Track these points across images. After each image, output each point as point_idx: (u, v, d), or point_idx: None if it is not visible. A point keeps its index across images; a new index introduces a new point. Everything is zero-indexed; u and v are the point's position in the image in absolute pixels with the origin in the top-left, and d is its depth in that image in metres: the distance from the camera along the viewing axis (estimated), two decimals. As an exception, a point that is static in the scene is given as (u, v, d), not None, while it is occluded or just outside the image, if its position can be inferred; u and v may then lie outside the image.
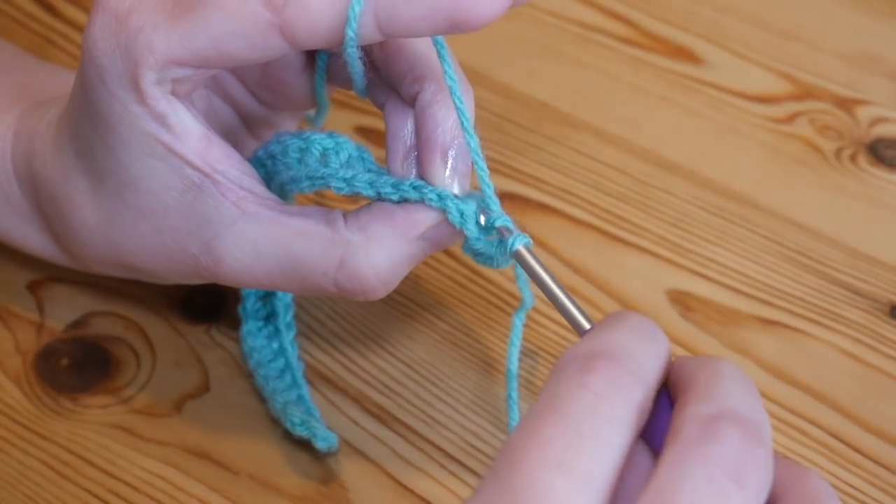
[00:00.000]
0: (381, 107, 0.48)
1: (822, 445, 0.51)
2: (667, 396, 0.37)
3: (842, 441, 0.51)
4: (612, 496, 0.34)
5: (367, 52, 0.47)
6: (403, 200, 0.45)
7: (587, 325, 0.42)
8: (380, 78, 0.48)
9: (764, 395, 0.52)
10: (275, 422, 0.51)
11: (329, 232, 0.46)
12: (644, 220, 0.59)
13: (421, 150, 0.46)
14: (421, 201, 0.45)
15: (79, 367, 0.53)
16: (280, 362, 0.52)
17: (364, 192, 0.46)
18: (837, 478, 0.50)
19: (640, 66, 0.66)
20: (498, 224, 0.45)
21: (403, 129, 0.47)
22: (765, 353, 0.54)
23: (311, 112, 0.53)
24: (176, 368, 0.53)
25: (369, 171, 0.47)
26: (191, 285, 0.55)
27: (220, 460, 0.50)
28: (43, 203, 0.50)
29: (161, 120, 0.45)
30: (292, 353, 0.53)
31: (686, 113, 0.64)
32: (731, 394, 0.36)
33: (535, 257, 0.45)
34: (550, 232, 0.58)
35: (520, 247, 0.45)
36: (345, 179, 0.46)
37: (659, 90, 0.65)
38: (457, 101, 0.44)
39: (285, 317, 0.53)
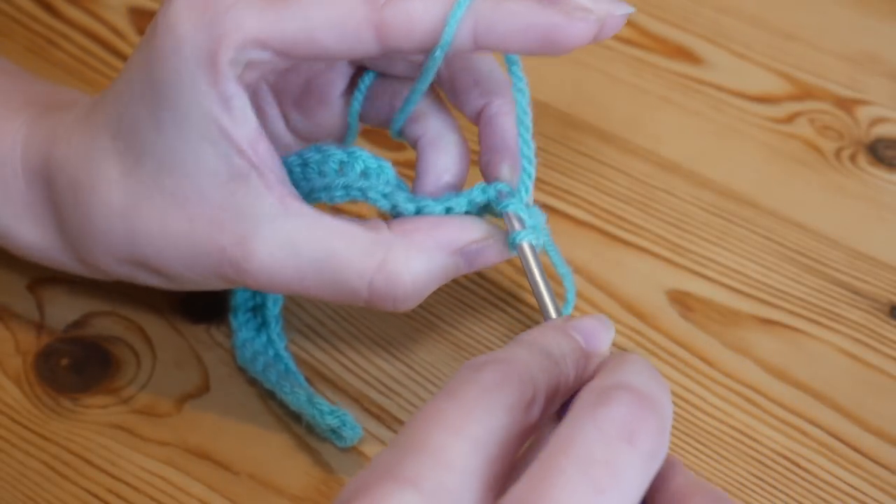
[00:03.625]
0: (415, 142, 0.50)
1: (822, 445, 0.51)
2: None
3: (842, 441, 0.51)
4: (507, 467, 0.36)
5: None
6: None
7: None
8: (433, 95, 0.50)
9: (764, 395, 0.53)
10: (275, 421, 0.51)
11: (373, 234, 0.46)
12: (644, 220, 0.59)
13: (489, 155, 0.49)
14: (466, 215, 0.48)
15: (79, 367, 0.53)
16: (281, 366, 0.52)
17: (402, 206, 0.48)
18: (837, 478, 0.50)
19: (640, 66, 0.66)
20: (509, 210, 0.47)
21: (437, 163, 0.49)
22: (765, 353, 0.54)
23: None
24: (176, 368, 0.53)
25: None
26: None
27: (220, 460, 0.50)
28: (59, 192, 0.49)
29: (225, 102, 0.45)
30: (289, 360, 0.53)
31: (686, 113, 0.64)
32: (631, 372, 0.38)
33: (535, 256, 0.47)
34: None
35: (523, 242, 0.47)
36: (384, 194, 0.48)
37: (659, 90, 0.65)
38: (521, 112, 0.48)
39: (276, 327, 0.53)
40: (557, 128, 0.63)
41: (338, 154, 0.49)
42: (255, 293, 0.54)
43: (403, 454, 0.35)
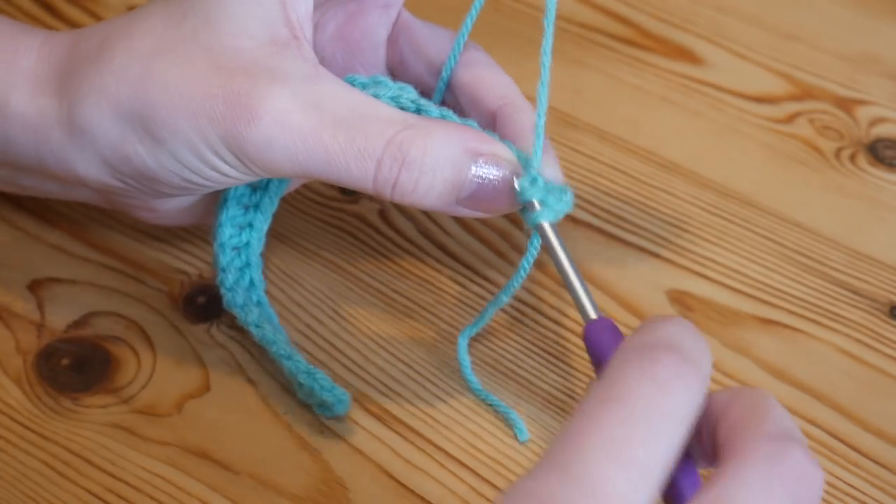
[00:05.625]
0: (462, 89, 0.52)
1: (822, 445, 0.51)
2: None
3: (842, 441, 0.51)
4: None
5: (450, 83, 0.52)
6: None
7: (592, 313, 0.44)
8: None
9: (764, 395, 0.53)
10: (275, 421, 0.51)
11: (403, 112, 0.47)
12: (644, 220, 0.59)
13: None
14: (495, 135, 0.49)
15: (79, 367, 0.53)
16: (265, 314, 0.53)
17: (427, 109, 0.49)
18: (837, 478, 0.50)
19: (640, 66, 0.66)
20: (534, 198, 0.47)
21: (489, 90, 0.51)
22: (765, 352, 0.54)
23: None
24: (176, 368, 0.53)
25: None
26: (191, 285, 0.55)
27: (220, 460, 0.50)
28: (78, 53, 0.48)
29: None
30: (269, 306, 0.54)
31: (686, 113, 0.64)
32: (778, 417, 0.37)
33: (557, 235, 0.47)
34: (550, 232, 0.58)
35: (544, 222, 0.47)
36: (412, 100, 0.49)
37: (659, 90, 0.65)
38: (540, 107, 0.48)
39: (257, 268, 0.54)
40: (557, 128, 0.63)
41: (361, 79, 0.50)
42: (240, 229, 0.53)
43: (561, 484, 0.33)
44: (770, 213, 0.59)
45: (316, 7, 0.50)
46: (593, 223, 0.59)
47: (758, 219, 0.59)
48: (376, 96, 0.48)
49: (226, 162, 0.47)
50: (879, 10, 0.69)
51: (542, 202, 0.47)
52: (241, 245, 0.53)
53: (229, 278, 0.53)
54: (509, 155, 0.47)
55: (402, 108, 0.48)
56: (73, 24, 0.67)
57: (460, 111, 0.51)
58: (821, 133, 0.63)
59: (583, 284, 0.45)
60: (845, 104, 0.65)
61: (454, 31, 0.52)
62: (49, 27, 0.66)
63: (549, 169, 0.48)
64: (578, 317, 0.55)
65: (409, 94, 0.49)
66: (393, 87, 0.49)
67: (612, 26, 0.68)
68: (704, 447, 0.38)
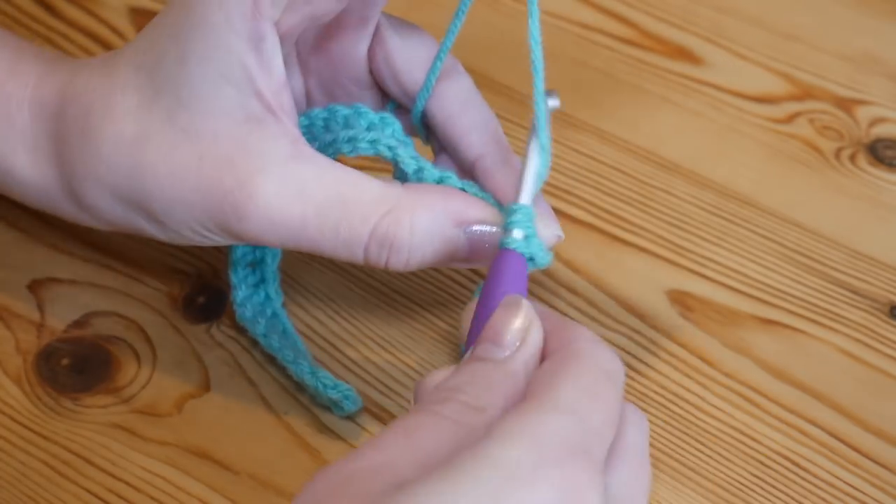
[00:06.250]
0: (437, 122, 0.52)
1: (822, 445, 0.51)
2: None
3: (842, 441, 0.51)
4: None
5: (427, 115, 0.51)
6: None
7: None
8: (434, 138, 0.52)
9: (764, 395, 0.53)
10: (275, 421, 0.51)
11: (384, 186, 0.47)
12: (644, 220, 0.59)
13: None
14: (481, 199, 0.49)
15: (79, 367, 0.53)
16: (280, 327, 0.53)
17: (404, 160, 0.49)
18: (837, 478, 0.50)
19: (640, 66, 0.66)
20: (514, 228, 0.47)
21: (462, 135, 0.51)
22: (765, 353, 0.54)
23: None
24: (176, 368, 0.53)
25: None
26: (191, 285, 0.55)
27: (220, 460, 0.50)
28: (68, 122, 0.48)
29: (256, 43, 0.45)
30: (286, 318, 0.54)
31: (686, 113, 0.64)
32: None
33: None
34: (550, 232, 0.58)
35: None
36: (390, 147, 0.49)
37: (659, 90, 0.65)
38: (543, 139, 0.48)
39: (273, 283, 0.54)
40: (557, 128, 0.63)
41: (343, 110, 0.50)
42: (254, 248, 0.53)
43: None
44: (770, 213, 0.59)
45: (290, 11, 0.48)
46: (593, 223, 0.59)
47: (758, 219, 0.59)
48: (354, 140, 0.49)
49: (226, 239, 0.48)
50: (880, 10, 0.69)
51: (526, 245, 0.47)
52: (255, 261, 0.54)
53: (240, 294, 0.53)
54: (497, 219, 0.48)
55: (382, 156, 0.49)
56: (73, 24, 0.67)
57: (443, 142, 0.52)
58: (821, 133, 0.63)
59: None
60: (845, 104, 0.65)
61: (439, 39, 0.51)
62: (49, 27, 0.66)
63: (547, 228, 0.49)
64: (579, 317, 0.55)
65: (387, 130, 0.50)
66: (369, 119, 0.49)
67: (612, 26, 0.68)
68: None
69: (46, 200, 0.50)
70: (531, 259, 0.47)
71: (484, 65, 0.65)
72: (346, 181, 0.47)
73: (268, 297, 0.53)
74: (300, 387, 0.52)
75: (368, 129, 0.49)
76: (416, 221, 0.47)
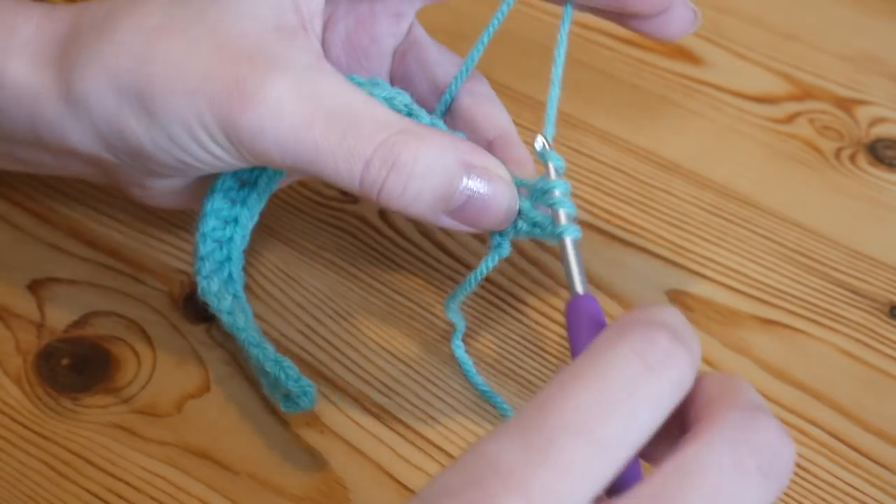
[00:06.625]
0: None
1: (822, 445, 0.51)
2: None
3: (842, 441, 0.51)
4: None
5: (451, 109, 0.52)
6: None
7: (580, 287, 0.43)
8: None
9: (764, 395, 0.52)
10: (275, 421, 0.51)
11: (398, 114, 0.47)
12: (644, 220, 0.59)
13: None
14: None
15: (79, 366, 0.53)
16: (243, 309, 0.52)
17: (417, 114, 0.49)
18: (837, 478, 0.50)
19: (640, 66, 0.66)
20: (556, 207, 0.45)
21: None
22: (764, 353, 0.54)
23: None
24: (176, 368, 0.53)
25: None
26: (191, 285, 0.55)
27: (220, 460, 0.50)
28: (81, 24, 0.47)
29: None
30: (245, 302, 0.53)
31: (686, 113, 0.64)
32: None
33: (576, 252, 0.44)
34: (550, 232, 0.58)
35: (567, 238, 0.45)
36: (405, 104, 0.49)
37: (659, 90, 0.65)
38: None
39: (238, 264, 0.53)
40: (557, 128, 0.63)
41: (359, 79, 0.49)
42: (224, 223, 0.53)
43: (519, 450, 0.32)
44: (770, 213, 0.59)
45: (327, 2, 0.50)
46: (593, 223, 0.59)
47: (758, 219, 0.59)
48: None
49: (218, 144, 0.46)
50: (879, 10, 0.69)
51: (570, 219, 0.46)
52: (223, 239, 0.53)
53: (206, 267, 0.52)
54: (502, 171, 0.47)
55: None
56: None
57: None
58: (821, 133, 0.63)
59: (578, 258, 0.44)
60: (845, 104, 0.65)
61: (463, 57, 0.52)
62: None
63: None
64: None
65: (404, 98, 0.49)
66: (389, 90, 0.49)
67: (612, 26, 0.68)
68: (670, 430, 0.36)
69: (28, 104, 0.48)
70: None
71: (482, 64, 0.64)
72: (361, 99, 0.46)
73: (231, 277, 0.53)
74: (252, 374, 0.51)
75: (385, 100, 0.49)
76: (424, 149, 0.45)
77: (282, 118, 0.45)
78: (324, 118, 0.45)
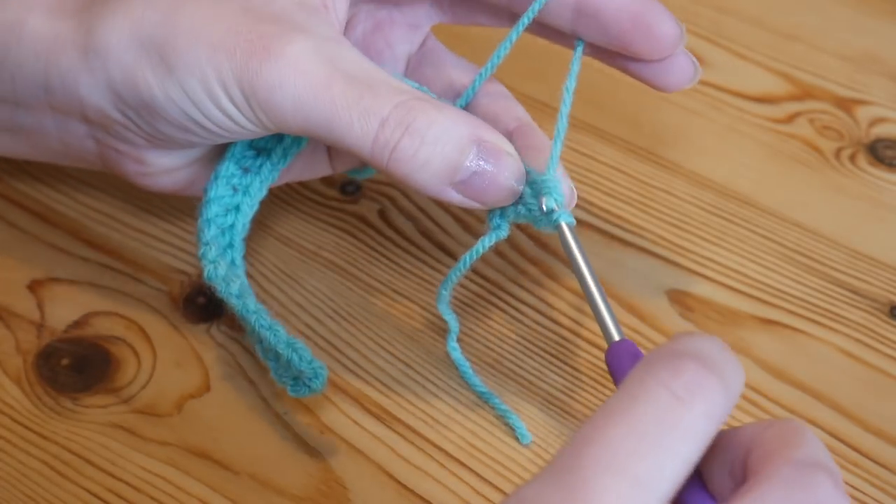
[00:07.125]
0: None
1: (822, 445, 0.51)
2: None
3: (842, 441, 0.51)
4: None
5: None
6: None
7: (616, 334, 0.44)
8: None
9: (764, 395, 0.53)
10: (275, 421, 0.51)
11: (413, 87, 0.48)
12: (644, 220, 0.59)
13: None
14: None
15: (79, 367, 0.53)
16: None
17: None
18: (837, 478, 0.50)
19: (640, 66, 0.66)
20: (548, 205, 0.47)
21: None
22: (765, 352, 0.54)
23: None
24: (176, 368, 0.53)
25: None
26: (191, 285, 0.55)
27: (220, 460, 0.50)
28: None
29: None
30: (249, 288, 0.52)
31: (686, 113, 0.64)
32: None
33: (575, 238, 0.46)
34: (550, 232, 0.58)
35: (563, 223, 0.46)
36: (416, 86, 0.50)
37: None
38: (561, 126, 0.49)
39: (240, 250, 0.53)
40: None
41: None
42: (227, 211, 0.53)
43: (557, 494, 0.32)
44: (770, 213, 0.59)
45: (350, 5, 0.50)
46: (593, 223, 0.59)
47: (758, 219, 0.59)
48: None
49: (232, 100, 0.46)
50: (879, 10, 0.69)
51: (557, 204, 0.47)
52: (225, 226, 0.53)
53: (213, 251, 0.51)
54: (510, 149, 0.47)
55: None
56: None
57: None
58: (821, 133, 0.63)
59: (606, 303, 0.45)
60: (845, 104, 0.65)
61: (479, 66, 0.52)
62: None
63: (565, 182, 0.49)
64: (580, 317, 0.55)
65: (423, 89, 0.50)
66: (399, 76, 0.50)
67: (612, 26, 0.68)
68: (736, 478, 0.36)
69: (44, 54, 0.48)
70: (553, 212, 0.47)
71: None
72: (381, 70, 0.47)
73: (234, 262, 0.52)
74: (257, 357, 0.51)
75: None
76: (439, 118, 0.46)
77: (301, 73, 0.46)
78: (343, 79, 0.46)
